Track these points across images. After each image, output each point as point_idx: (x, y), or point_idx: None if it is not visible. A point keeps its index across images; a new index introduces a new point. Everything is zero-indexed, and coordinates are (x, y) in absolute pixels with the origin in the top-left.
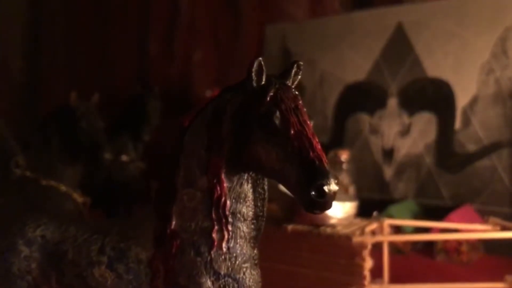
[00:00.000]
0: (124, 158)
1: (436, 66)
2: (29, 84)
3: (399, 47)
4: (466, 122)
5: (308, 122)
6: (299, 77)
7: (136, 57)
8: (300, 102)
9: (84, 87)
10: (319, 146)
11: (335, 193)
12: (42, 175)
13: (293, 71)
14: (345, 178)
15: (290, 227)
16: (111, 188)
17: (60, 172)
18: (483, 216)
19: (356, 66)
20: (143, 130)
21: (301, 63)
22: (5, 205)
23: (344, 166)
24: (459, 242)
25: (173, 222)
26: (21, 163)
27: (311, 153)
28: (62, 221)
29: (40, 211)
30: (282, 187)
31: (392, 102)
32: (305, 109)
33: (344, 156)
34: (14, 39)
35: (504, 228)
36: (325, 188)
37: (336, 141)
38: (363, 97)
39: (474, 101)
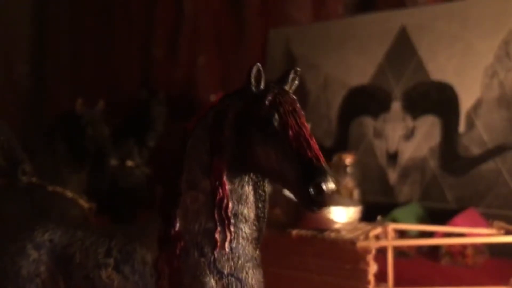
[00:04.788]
0: (129, 163)
1: (439, 69)
2: (34, 89)
3: (403, 50)
4: (470, 125)
5: (306, 124)
6: (297, 82)
7: (141, 62)
8: (298, 105)
9: (88, 93)
10: (316, 147)
11: (333, 190)
12: (49, 181)
13: (291, 76)
14: (349, 181)
15: (294, 232)
16: (117, 194)
17: (66, 178)
18: (488, 219)
19: (360, 69)
20: (148, 136)
21: (298, 69)
22: (13, 211)
23: (349, 169)
24: (464, 246)
25: (177, 224)
26: (28, 170)
27: (309, 153)
28: (69, 225)
29: (48, 217)
30: (286, 192)
31: (396, 106)
32: (302, 112)
33: (348, 159)
34: (19, 45)
35: (508, 232)
36: (323, 185)
37: (340, 145)
38: (367, 101)
39: (478, 104)
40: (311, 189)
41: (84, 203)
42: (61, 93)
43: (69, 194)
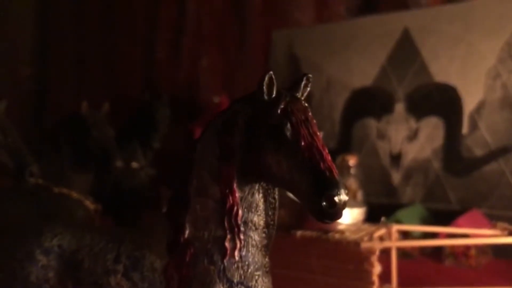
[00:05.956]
0: (134, 165)
1: (442, 71)
2: (38, 91)
3: (406, 52)
4: (473, 126)
5: (318, 133)
6: (309, 89)
7: (144, 64)
8: (310, 114)
9: (92, 95)
10: (329, 157)
11: (345, 203)
12: (54, 183)
13: (303, 83)
14: (353, 183)
15: (299, 233)
16: (121, 195)
17: (71, 180)
18: (491, 220)
19: (363, 71)
20: (152, 137)
21: (310, 75)
22: (20, 214)
23: (352, 171)
24: (467, 247)
25: (187, 231)
26: (35, 172)
27: (321, 164)
28: (77, 230)
29: (55, 220)
30: (291, 194)
31: (399, 107)
32: (314, 121)
33: (351, 161)
34: (23, 47)
35: None
36: (336, 198)
37: (343, 146)
38: (370, 102)
39: (481, 106)
40: (324, 202)
41: (89, 204)
42: (64, 95)
43: (75, 195)
